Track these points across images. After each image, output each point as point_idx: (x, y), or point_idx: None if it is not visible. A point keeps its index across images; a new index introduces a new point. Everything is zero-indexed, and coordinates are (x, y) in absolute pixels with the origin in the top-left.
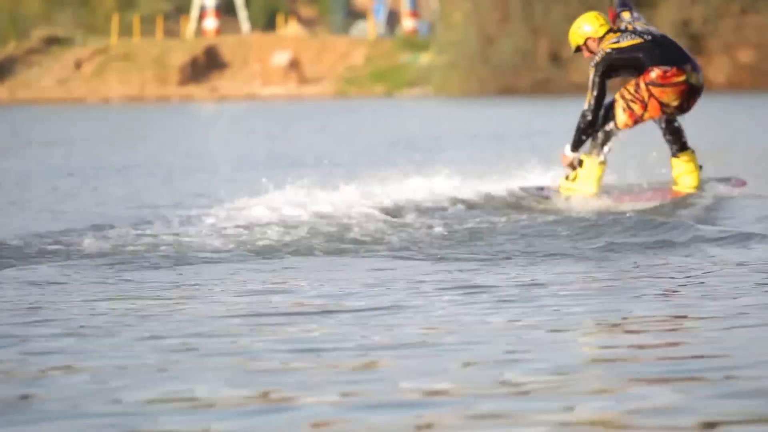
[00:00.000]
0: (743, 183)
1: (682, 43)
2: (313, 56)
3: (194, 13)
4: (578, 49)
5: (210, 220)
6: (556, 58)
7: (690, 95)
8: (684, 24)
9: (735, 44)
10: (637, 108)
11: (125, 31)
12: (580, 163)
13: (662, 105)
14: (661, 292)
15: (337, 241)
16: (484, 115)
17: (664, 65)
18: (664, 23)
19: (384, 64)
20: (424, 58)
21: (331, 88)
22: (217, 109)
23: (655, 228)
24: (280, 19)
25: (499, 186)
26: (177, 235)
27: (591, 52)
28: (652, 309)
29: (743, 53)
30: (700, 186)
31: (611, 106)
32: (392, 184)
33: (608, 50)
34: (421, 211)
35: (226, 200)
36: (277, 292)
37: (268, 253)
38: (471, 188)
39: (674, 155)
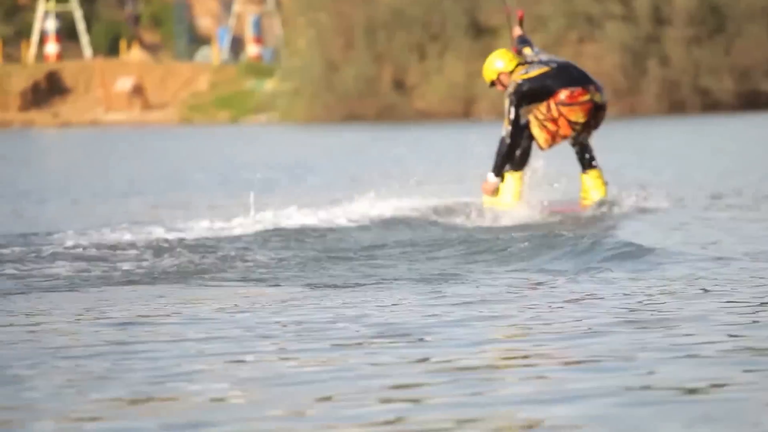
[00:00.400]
0: (645, 197)
1: None
2: (157, 82)
3: (35, 37)
4: (492, 83)
5: (56, 247)
6: (399, 85)
7: (595, 112)
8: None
9: None
10: (550, 126)
11: None
12: (502, 180)
13: (571, 123)
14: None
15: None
16: (326, 141)
17: (570, 87)
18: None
19: (229, 91)
20: (269, 85)
21: (175, 115)
22: (58, 135)
23: (553, 241)
24: (123, 44)
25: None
26: (22, 261)
27: (504, 85)
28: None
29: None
30: (605, 200)
31: (528, 129)
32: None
33: (520, 81)
34: (267, 239)
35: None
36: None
37: (110, 279)
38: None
39: (584, 172)
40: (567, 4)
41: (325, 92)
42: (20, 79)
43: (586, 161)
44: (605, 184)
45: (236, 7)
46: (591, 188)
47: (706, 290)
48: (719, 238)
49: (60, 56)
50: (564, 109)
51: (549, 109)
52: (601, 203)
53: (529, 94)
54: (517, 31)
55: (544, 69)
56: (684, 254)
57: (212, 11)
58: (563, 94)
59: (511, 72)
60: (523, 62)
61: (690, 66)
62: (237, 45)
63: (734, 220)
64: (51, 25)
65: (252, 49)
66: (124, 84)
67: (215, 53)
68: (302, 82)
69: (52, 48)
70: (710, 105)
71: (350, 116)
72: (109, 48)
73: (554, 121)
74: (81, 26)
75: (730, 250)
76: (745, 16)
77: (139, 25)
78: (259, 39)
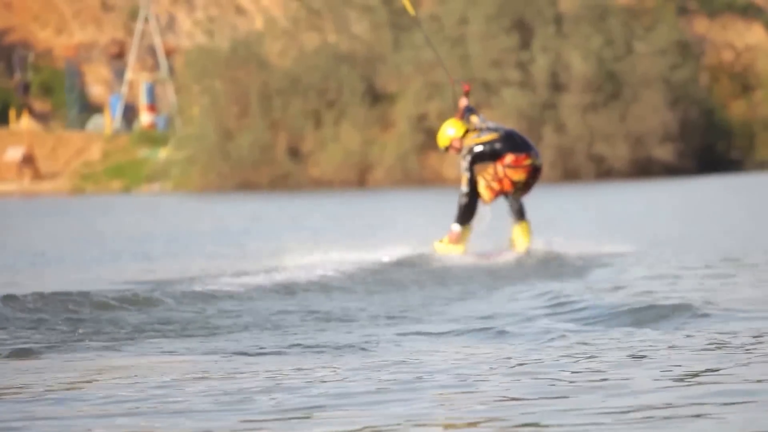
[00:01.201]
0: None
1: (419, 137)
2: (48, 151)
3: None
4: (446, 149)
5: None
6: (295, 152)
7: (534, 174)
8: (420, 119)
9: None
10: (495, 185)
11: None
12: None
13: (514, 182)
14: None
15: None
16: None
17: (516, 152)
18: (401, 118)
19: (121, 159)
20: (163, 153)
21: (67, 185)
22: None
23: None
24: (12, 113)
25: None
26: None
27: (456, 149)
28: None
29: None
30: (529, 248)
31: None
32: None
33: (473, 145)
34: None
35: None
36: None
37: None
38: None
39: (516, 222)
40: (464, 69)
41: (220, 160)
42: None
43: (518, 214)
44: (530, 233)
45: (129, 75)
46: (519, 237)
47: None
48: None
49: None
50: (509, 171)
51: (496, 171)
52: (527, 250)
53: (481, 156)
54: (464, 102)
55: (493, 135)
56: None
57: (104, 79)
58: (509, 158)
59: (462, 137)
60: (473, 128)
61: (585, 133)
62: (130, 113)
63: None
64: None
65: (145, 118)
66: (14, 154)
67: (107, 122)
68: (196, 150)
69: None
70: (604, 172)
71: (245, 184)
72: None
73: (500, 180)
74: None
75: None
76: (642, 82)
77: (29, 94)
78: (153, 107)
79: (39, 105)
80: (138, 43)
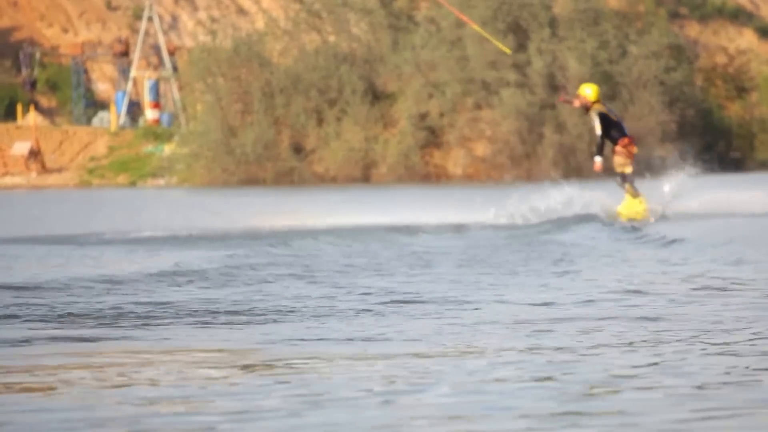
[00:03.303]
0: None
1: (420, 135)
2: (55, 146)
3: None
4: (576, 96)
5: None
6: (298, 149)
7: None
8: (421, 117)
9: (471, 137)
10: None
11: None
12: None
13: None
14: None
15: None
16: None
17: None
18: (402, 116)
19: (127, 155)
20: (168, 149)
21: (73, 179)
22: None
23: None
24: (19, 108)
25: None
26: None
27: (584, 106)
28: None
29: (478, 146)
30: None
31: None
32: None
33: (601, 111)
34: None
35: None
36: None
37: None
38: None
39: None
40: (463, 71)
41: (224, 156)
42: None
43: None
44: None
45: (133, 72)
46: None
47: None
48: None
49: None
50: (630, 147)
51: (625, 147)
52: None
53: (605, 123)
54: (576, 102)
55: (613, 117)
56: None
57: (109, 76)
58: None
59: (594, 102)
60: (603, 103)
61: (585, 132)
62: (135, 109)
63: None
64: None
65: (150, 114)
66: (21, 148)
67: (113, 118)
68: (201, 146)
69: None
70: (606, 170)
71: (249, 180)
72: (5, 112)
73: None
74: None
75: None
76: (638, 83)
77: (35, 90)
78: (157, 104)
79: (45, 101)
80: (142, 41)
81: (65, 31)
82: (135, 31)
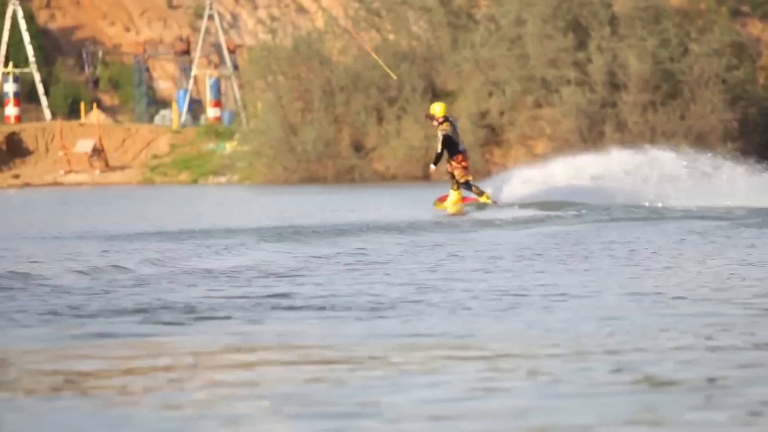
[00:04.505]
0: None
1: (480, 133)
2: (118, 144)
3: None
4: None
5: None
6: (359, 147)
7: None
8: (481, 115)
9: (531, 135)
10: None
11: None
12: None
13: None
14: None
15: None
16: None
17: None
18: (462, 114)
19: (188, 152)
20: (229, 147)
21: (136, 176)
22: (18, 195)
23: None
24: (82, 106)
25: None
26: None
27: (438, 124)
28: None
29: (539, 144)
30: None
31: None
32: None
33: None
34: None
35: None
36: None
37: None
38: None
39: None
40: (522, 69)
41: (285, 154)
42: None
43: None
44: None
45: (194, 71)
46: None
47: None
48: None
49: (19, 118)
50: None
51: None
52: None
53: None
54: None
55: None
56: None
57: (171, 74)
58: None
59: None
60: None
61: (646, 130)
62: (196, 107)
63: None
64: (10, 87)
65: (211, 112)
66: (85, 146)
67: (174, 116)
68: (261, 144)
69: (11, 110)
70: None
71: (309, 178)
72: (69, 110)
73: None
74: (40, 89)
75: None
76: (699, 82)
77: (98, 88)
78: (218, 102)
79: (108, 99)
80: (203, 40)
81: (127, 29)
82: (196, 29)
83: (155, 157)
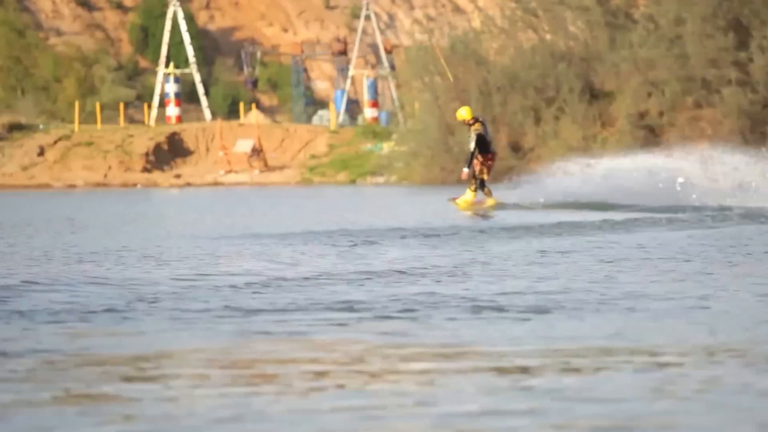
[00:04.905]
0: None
1: (639, 134)
2: (276, 144)
3: (156, 100)
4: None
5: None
6: (516, 147)
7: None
8: (640, 116)
9: (691, 136)
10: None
11: (87, 118)
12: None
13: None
14: None
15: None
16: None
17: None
18: (621, 115)
19: (346, 153)
20: (386, 147)
21: (294, 176)
22: (179, 194)
23: None
24: (241, 107)
25: None
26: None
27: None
28: None
29: (699, 145)
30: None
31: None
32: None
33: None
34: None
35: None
36: None
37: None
38: None
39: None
40: (682, 69)
41: (443, 154)
42: (142, 141)
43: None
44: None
45: (351, 71)
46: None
47: None
48: None
49: (180, 119)
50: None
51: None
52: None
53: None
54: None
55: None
56: None
57: (328, 74)
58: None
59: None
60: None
61: None
62: (353, 108)
63: None
64: (171, 88)
65: (368, 112)
66: (244, 146)
67: (332, 116)
68: (419, 144)
69: (172, 111)
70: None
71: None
72: (228, 111)
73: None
74: (200, 89)
75: None
76: None
77: (257, 89)
78: (375, 103)
79: (266, 99)
80: (360, 40)
81: (285, 30)
82: (353, 29)
83: (313, 157)
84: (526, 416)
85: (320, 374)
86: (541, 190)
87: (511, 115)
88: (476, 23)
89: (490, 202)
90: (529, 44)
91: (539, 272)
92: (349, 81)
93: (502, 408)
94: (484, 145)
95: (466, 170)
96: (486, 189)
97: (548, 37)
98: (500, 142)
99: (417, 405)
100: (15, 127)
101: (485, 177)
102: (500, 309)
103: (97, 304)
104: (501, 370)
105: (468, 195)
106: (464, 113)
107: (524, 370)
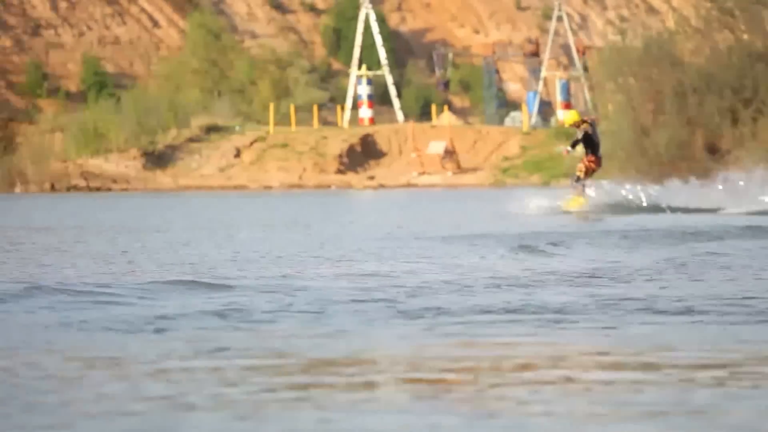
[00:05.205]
0: None
1: None
2: (469, 146)
3: (349, 102)
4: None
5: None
6: (713, 149)
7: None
8: None
9: None
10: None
11: (282, 120)
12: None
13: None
14: None
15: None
16: None
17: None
18: None
19: (539, 154)
20: (580, 148)
21: (487, 178)
22: (374, 196)
23: None
24: (433, 108)
25: None
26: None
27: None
28: None
29: None
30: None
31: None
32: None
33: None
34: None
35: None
36: None
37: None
38: None
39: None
40: None
41: (637, 156)
42: (336, 143)
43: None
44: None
45: (544, 72)
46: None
47: None
48: None
49: (373, 120)
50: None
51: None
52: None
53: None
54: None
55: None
56: None
57: (520, 76)
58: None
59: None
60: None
61: None
62: (546, 109)
63: None
64: (364, 90)
65: (561, 114)
66: (437, 147)
67: (525, 118)
68: (613, 146)
69: (365, 112)
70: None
71: (663, 180)
72: (420, 112)
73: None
74: (392, 91)
75: None
76: None
77: (448, 90)
78: (568, 104)
79: (458, 101)
80: (552, 41)
81: (476, 31)
82: (544, 31)
83: (506, 159)
84: None
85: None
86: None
87: (707, 117)
88: (670, 24)
89: (579, 200)
90: (726, 44)
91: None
92: (541, 82)
93: None
94: (591, 145)
95: (565, 149)
96: (580, 188)
97: (745, 37)
98: (696, 144)
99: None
100: (212, 129)
101: (581, 176)
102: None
103: (300, 304)
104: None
105: (576, 198)
106: (568, 118)
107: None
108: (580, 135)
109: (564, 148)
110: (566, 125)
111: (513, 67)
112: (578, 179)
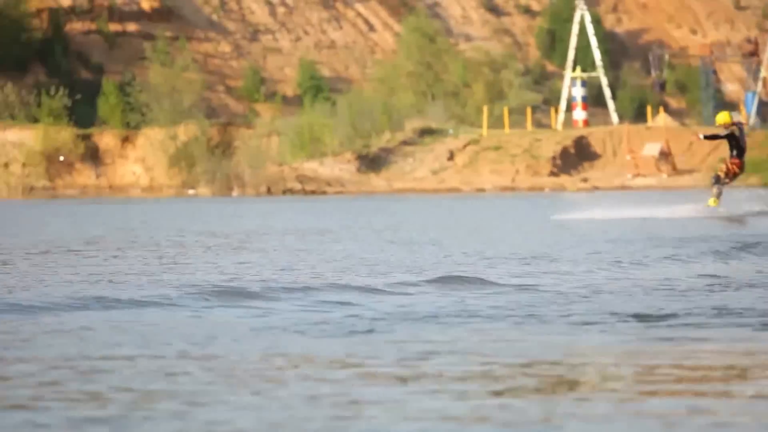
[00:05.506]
0: None
1: None
2: (685, 147)
3: (563, 104)
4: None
5: None
6: None
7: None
8: None
9: None
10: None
11: (495, 122)
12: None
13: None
14: None
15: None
16: None
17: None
18: None
19: (758, 156)
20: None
21: (704, 179)
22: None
23: None
24: (648, 110)
25: None
26: None
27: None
28: None
29: None
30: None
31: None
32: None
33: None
34: None
35: None
36: None
37: None
38: None
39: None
40: None
41: None
42: (550, 145)
43: None
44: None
45: (763, 72)
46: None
47: None
48: None
49: (587, 122)
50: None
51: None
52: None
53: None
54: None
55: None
56: None
57: (738, 76)
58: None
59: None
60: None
61: None
62: (765, 110)
63: None
64: (578, 92)
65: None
66: (652, 149)
67: (743, 118)
68: None
69: (579, 114)
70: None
71: None
72: (635, 114)
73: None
74: (607, 93)
75: None
76: None
77: (664, 91)
78: None
79: (674, 102)
80: None
81: (693, 32)
82: (764, 30)
83: (723, 159)
84: None
85: None
86: None
87: None
88: None
89: (713, 201)
90: None
91: None
92: (760, 83)
93: None
94: (737, 147)
95: (701, 135)
96: (717, 188)
97: None
98: None
99: None
100: (425, 132)
101: (721, 175)
102: None
103: (485, 306)
104: None
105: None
106: (721, 117)
107: None
108: (722, 133)
109: (701, 134)
110: (718, 124)
111: (731, 68)
112: (718, 179)
